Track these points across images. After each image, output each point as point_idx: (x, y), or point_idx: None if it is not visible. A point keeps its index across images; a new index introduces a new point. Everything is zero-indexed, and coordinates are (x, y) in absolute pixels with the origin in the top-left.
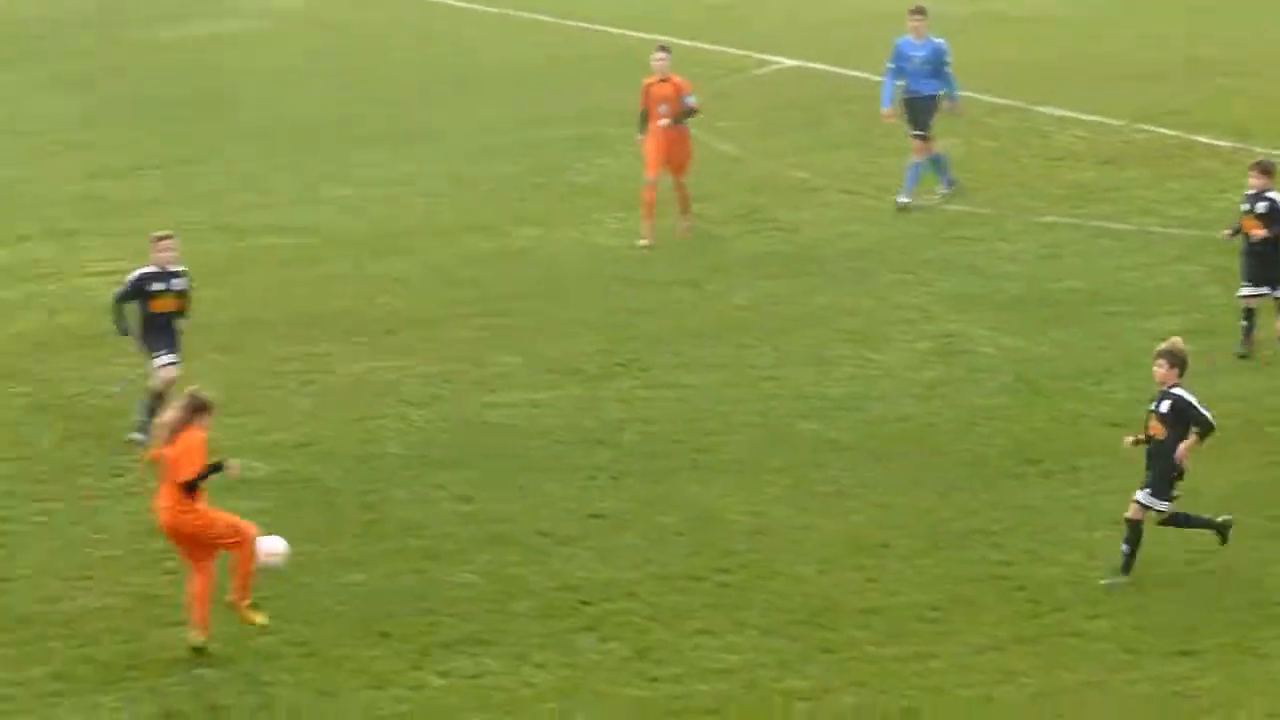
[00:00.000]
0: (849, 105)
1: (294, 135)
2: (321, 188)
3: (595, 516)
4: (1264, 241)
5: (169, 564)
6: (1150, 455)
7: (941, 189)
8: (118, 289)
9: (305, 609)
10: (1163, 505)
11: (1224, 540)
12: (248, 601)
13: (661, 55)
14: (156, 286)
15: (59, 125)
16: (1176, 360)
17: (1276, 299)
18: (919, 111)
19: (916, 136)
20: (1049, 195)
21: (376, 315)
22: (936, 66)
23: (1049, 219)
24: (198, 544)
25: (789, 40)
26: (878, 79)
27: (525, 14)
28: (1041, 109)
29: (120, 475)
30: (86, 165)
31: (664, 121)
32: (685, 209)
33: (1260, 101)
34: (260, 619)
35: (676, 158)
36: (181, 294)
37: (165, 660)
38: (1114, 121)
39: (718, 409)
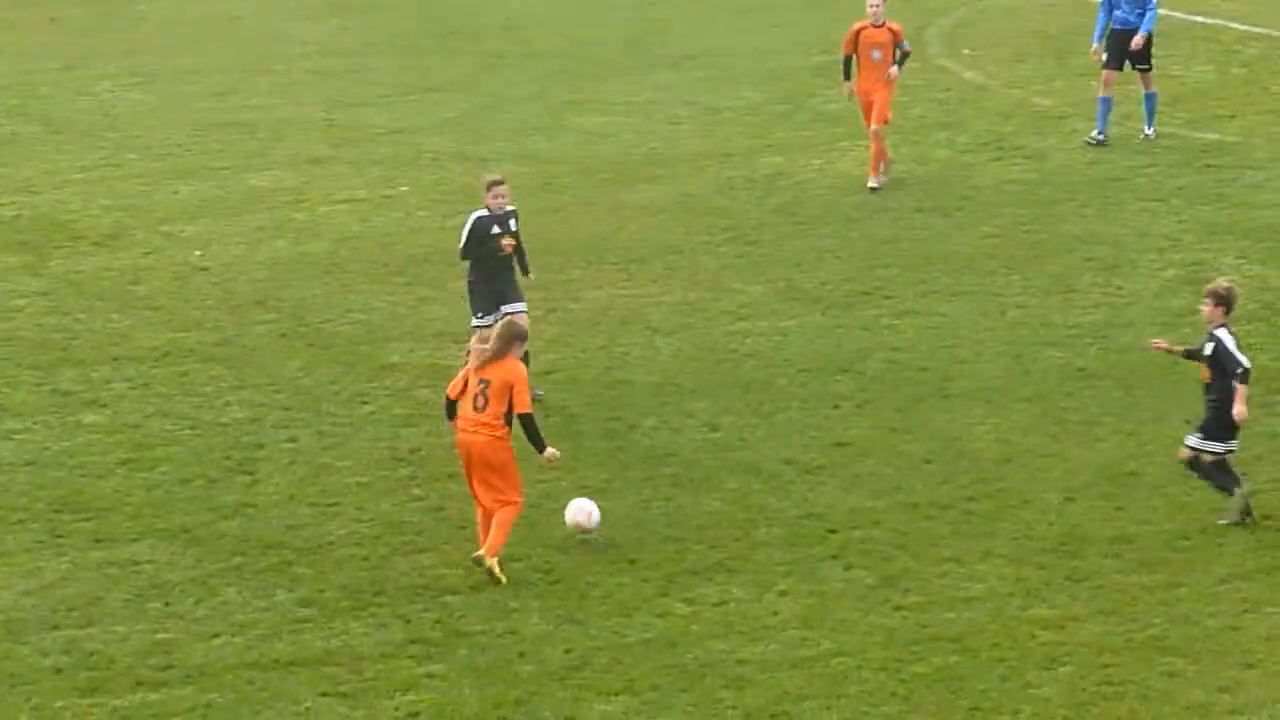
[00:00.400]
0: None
1: (539, 64)
2: (566, 115)
3: (840, 445)
4: None
5: (415, 491)
6: (1205, 399)
7: (1095, 134)
8: (460, 245)
9: (551, 536)
10: (1216, 447)
11: (1246, 518)
12: (495, 559)
13: (876, 0)
14: (495, 230)
15: (313, 52)
16: (1222, 299)
17: None
18: (1129, 44)
19: (1141, 70)
20: None
21: (623, 243)
22: None
23: None
24: (501, 475)
25: None
26: None
27: None
28: None
29: (366, 403)
30: (334, 93)
31: (893, 70)
32: (880, 158)
33: None
34: (503, 578)
35: (880, 104)
36: (515, 234)
37: (412, 586)
38: None
39: (965, 337)
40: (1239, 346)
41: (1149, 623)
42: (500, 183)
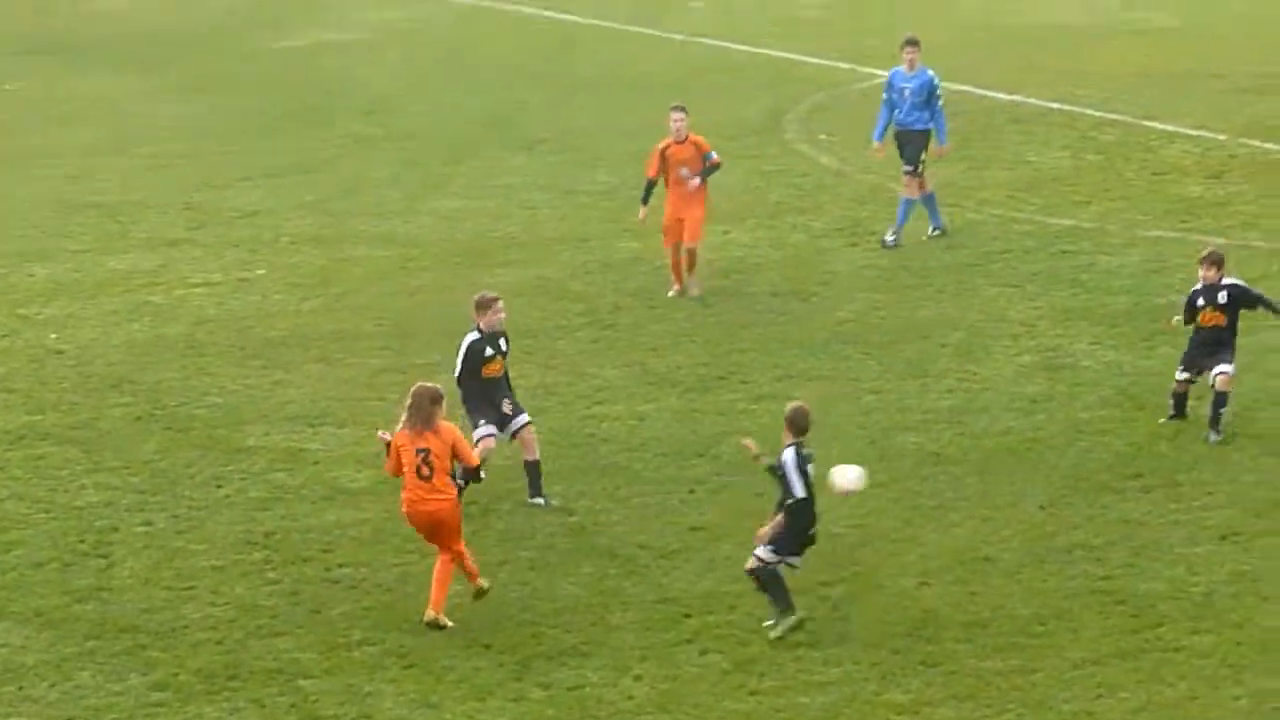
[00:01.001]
0: (951, 120)
1: (396, 146)
2: (423, 199)
3: (696, 529)
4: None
5: (270, 574)
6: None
7: (931, 231)
8: (458, 369)
9: (408, 620)
10: (772, 558)
11: (777, 630)
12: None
13: (679, 116)
14: (489, 353)
15: (170, 135)
16: (790, 421)
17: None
18: (906, 146)
19: (906, 172)
20: (1154, 209)
21: None
22: (927, 99)
23: (1154, 233)
24: (453, 534)
25: (891, 54)
26: (983, 93)
27: (627, 27)
28: (1148, 123)
29: (221, 486)
30: (194, 175)
31: (694, 182)
32: (692, 270)
33: None
34: (447, 623)
35: (691, 224)
36: (505, 353)
37: (266, 670)
38: (1220, 136)
39: (821, 421)
40: (800, 469)
41: (1004, 708)
42: (497, 299)
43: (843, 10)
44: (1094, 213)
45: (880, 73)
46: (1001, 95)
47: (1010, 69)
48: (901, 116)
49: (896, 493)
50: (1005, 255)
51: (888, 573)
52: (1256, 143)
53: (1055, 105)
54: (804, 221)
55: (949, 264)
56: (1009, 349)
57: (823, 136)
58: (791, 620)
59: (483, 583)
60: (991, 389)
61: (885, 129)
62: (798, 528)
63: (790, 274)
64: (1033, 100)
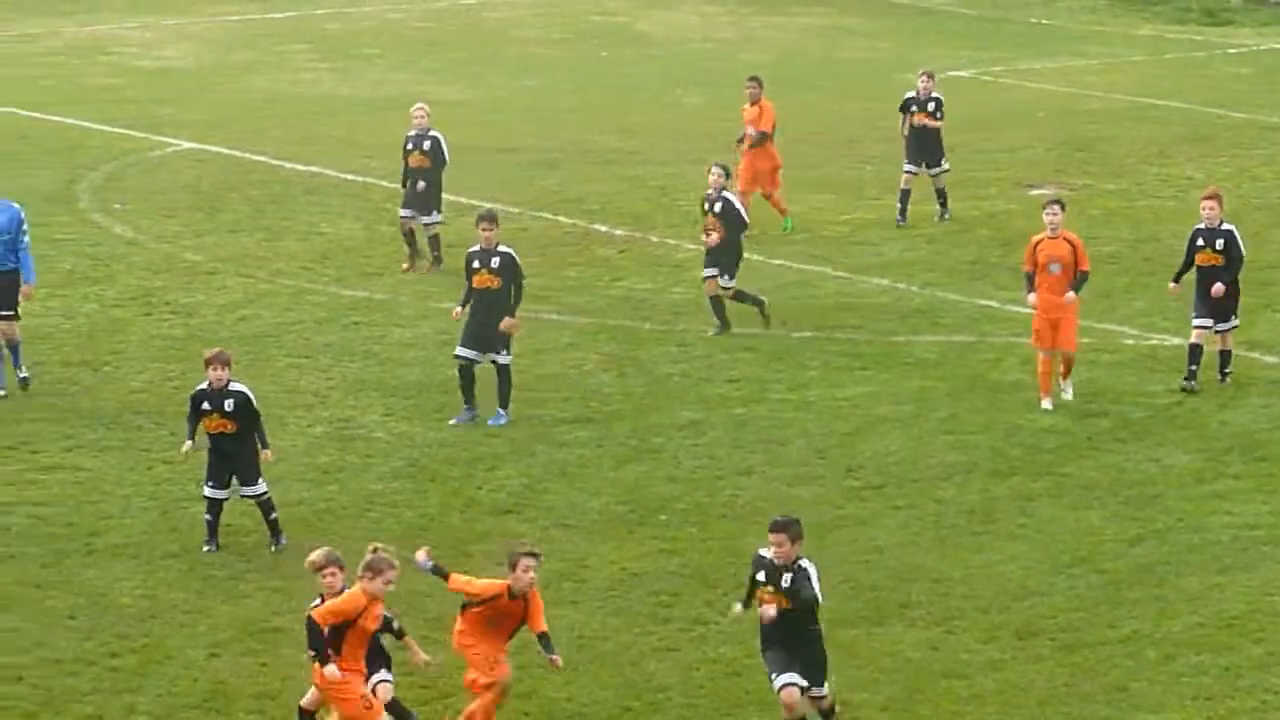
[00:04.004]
0: (247, 190)
1: None
2: None
3: None
4: None
5: None
6: None
7: None
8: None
9: None
10: None
11: None
12: None
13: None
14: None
15: None
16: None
17: None
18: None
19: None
20: (445, 282)
21: None
22: (13, 239)
23: (445, 304)
24: None
25: (186, 123)
26: (278, 164)
27: None
28: (445, 195)
29: None
30: None
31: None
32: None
33: (654, 191)
34: None
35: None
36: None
37: None
38: (512, 209)
39: (113, 492)
40: None
41: None
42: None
43: (134, 78)
44: (386, 284)
45: (174, 141)
46: (297, 166)
47: (302, 140)
48: None
49: (188, 563)
50: (298, 326)
51: (177, 643)
52: (548, 215)
53: (348, 176)
54: (96, 291)
55: (243, 334)
56: (301, 420)
57: (116, 205)
58: None
59: None
60: (284, 460)
61: None
62: None
63: (84, 344)
64: (327, 171)
